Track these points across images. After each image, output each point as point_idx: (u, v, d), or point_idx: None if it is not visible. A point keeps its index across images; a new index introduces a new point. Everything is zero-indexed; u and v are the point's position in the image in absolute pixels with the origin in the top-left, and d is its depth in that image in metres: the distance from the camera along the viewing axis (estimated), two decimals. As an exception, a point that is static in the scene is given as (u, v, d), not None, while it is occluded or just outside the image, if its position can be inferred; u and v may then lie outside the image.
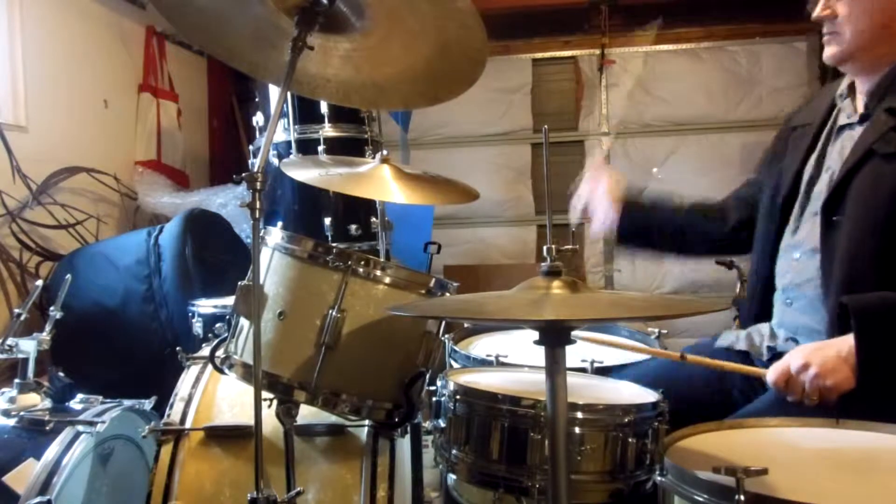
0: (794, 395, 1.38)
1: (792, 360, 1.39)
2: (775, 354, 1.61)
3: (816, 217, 1.55)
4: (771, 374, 1.41)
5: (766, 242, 1.69)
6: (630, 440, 1.29)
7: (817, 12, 1.56)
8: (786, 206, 1.64)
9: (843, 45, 1.54)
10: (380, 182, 1.65)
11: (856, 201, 1.47)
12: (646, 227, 1.88)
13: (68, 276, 1.99)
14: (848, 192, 1.48)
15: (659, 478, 1.10)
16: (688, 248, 1.97)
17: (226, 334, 1.50)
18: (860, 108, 1.56)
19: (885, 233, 1.43)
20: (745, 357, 1.68)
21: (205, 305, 2.34)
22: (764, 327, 1.68)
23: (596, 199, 1.88)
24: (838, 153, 1.56)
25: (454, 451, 1.37)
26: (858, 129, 1.55)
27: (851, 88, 1.61)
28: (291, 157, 2.74)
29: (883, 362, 1.35)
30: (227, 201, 3.25)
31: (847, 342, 1.37)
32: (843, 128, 1.59)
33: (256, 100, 3.36)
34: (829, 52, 1.58)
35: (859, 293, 1.42)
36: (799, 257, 1.59)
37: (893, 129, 1.45)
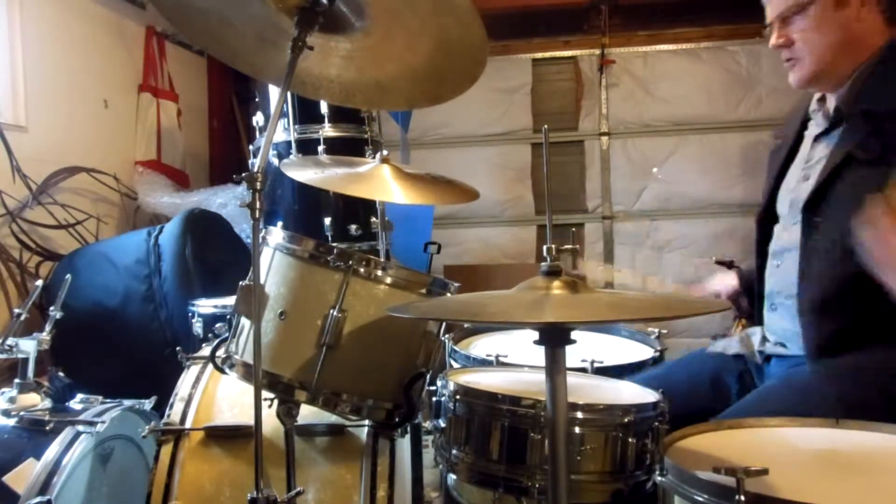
0: None
1: None
2: (766, 357, 1.64)
3: (795, 226, 1.58)
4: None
5: (756, 251, 1.72)
6: (630, 440, 1.29)
7: (773, 42, 1.59)
8: (768, 216, 1.68)
9: (805, 70, 1.57)
10: (380, 182, 1.65)
11: (836, 205, 1.49)
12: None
13: (68, 276, 1.99)
14: (828, 195, 1.50)
15: (659, 478, 1.10)
16: None
17: (226, 334, 1.50)
18: (830, 114, 1.58)
19: None
20: (739, 360, 1.70)
21: (205, 305, 2.34)
22: (756, 331, 1.69)
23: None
24: (817, 161, 1.58)
25: (454, 451, 1.37)
26: (833, 134, 1.57)
27: (822, 100, 1.64)
28: (291, 157, 2.74)
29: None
30: (227, 201, 3.25)
31: None
32: (818, 137, 1.61)
33: (256, 100, 3.36)
34: (793, 77, 1.61)
35: (835, 294, 1.45)
36: (779, 265, 1.62)
37: (871, 134, 1.46)
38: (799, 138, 1.67)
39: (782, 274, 1.60)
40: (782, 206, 1.65)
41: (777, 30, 1.58)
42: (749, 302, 1.80)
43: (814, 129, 1.63)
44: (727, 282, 1.88)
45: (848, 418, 1.29)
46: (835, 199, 1.49)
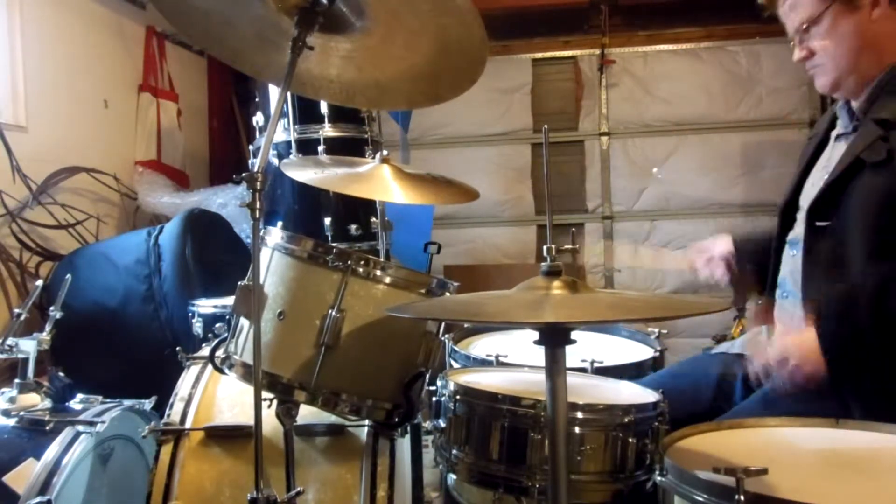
0: (774, 387, 1.42)
1: (770, 353, 1.42)
2: None
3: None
4: (752, 369, 1.45)
5: (776, 246, 1.71)
6: (630, 440, 1.29)
7: (796, 56, 1.61)
8: (788, 210, 1.67)
9: (828, 76, 1.58)
10: (380, 182, 1.65)
11: (843, 209, 1.48)
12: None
13: (68, 276, 1.99)
14: (835, 199, 1.50)
15: (659, 478, 1.10)
16: None
17: (226, 334, 1.50)
18: (854, 116, 1.59)
19: (873, 241, 1.43)
20: (743, 361, 1.69)
21: (205, 305, 2.34)
22: (761, 330, 1.69)
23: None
24: (831, 161, 1.58)
25: (454, 451, 1.37)
26: (847, 140, 1.58)
27: (848, 101, 1.64)
28: (291, 157, 2.74)
29: (846, 357, 1.38)
30: (227, 201, 3.25)
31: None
32: (839, 137, 1.62)
33: (256, 100, 3.36)
34: (818, 84, 1.62)
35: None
36: (795, 254, 1.61)
37: (881, 139, 1.46)
38: (828, 134, 1.68)
39: (797, 263, 1.59)
40: (804, 199, 1.65)
41: (798, 44, 1.60)
42: (741, 264, 1.79)
43: (839, 127, 1.64)
44: (722, 245, 1.85)
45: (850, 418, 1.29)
46: (841, 204, 1.49)
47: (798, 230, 1.61)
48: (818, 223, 1.52)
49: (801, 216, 1.61)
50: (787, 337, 1.45)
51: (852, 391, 1.40)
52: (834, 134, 1.65)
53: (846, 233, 1.47)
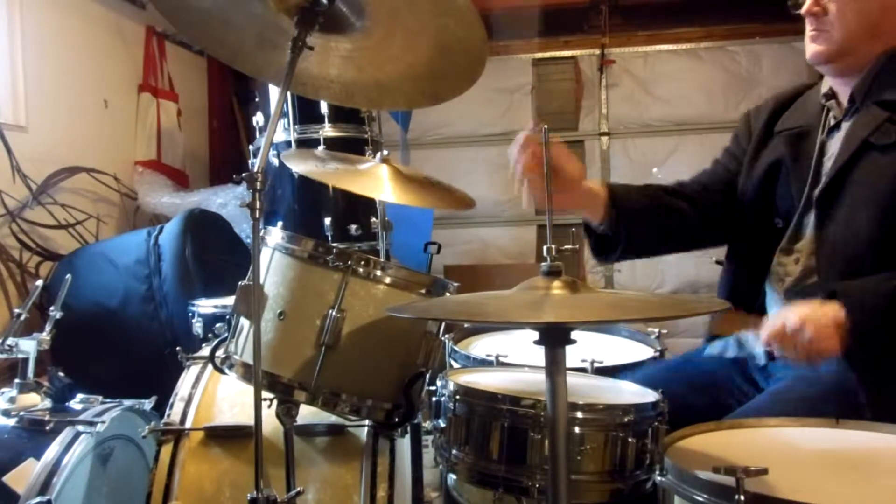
0: (786, 353, 1.36)
1: (788, 319, 1.35)
2: (770, 356, 1.62)
3: (809, 218, 1.55)
4: (765, 331, 1.38)
5: (760, 243, 1.67)
6: (630, 440, 1.29)
7: (807, 7, 1.53)
8: (790, 210, 1.62)
9: (831, 45, 1.52)
10: (377, 181, 1.64)
11: (853, 194, 1.47)
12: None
13: (68, 276, 1.99)
14: (844, 185, 1.48)
15: (659, 478, 1.10)
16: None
17: (226, 334, 1.50)
18: (843, 106, 1.56)
19: (884, 224, 1.42)
20: (737, 364, 1.68)
21: (205, 305, 2.34)
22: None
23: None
24: (829, 154, 1.57)
25: (454, 451, 1.37)
26: (845, 126, 1.55)
27: (830, 94, 1.61)
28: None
29: (871, 348, 1.35)
30: (227, 201, 3.25)
31: (842, 311, 1.35)
32: (832, 129, 1.60)
33: (256, 100, 3.36)
34: (815, 49, 1.54)
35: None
36: (800, 259, 1.59)
37: (889, 121, 1.45)
38: (820, 129, 1.63)
39: (803, 270, 1.57)
40: (805, 198, 1.60)
41: None
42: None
43: (832, 119, 1.60)
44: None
45: (872, 413, 1.28)
46: (849, 188, 1.47)
47: (805, 232, 1.58)
48: (829, 211, 1.50)
49: (809, 219, 1.57)
50: (807, 308, 1.38)
51: (863, 380, 1.38)
52: (828, 126, 1.61)
53: (855, 217, 1.45)
